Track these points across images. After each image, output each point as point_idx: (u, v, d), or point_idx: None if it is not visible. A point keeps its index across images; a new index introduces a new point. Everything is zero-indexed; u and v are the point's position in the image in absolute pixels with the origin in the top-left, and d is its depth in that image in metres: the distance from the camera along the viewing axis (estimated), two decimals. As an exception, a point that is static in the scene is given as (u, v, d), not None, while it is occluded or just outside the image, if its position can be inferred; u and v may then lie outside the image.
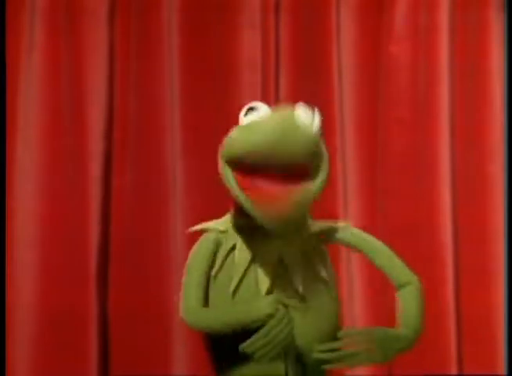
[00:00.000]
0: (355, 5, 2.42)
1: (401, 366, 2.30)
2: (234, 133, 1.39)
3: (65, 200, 2.36)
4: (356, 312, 2.35)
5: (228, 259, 1.43)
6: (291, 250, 1.41)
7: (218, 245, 1.46)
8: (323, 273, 1.43)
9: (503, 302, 2.32)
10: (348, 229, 1.48)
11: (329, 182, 2.33)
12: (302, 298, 1.40)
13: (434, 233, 2.37)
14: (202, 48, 2.40)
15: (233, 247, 1.44)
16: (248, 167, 1.35)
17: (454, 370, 2.34)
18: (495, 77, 2.41)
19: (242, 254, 1.42)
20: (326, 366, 1.38)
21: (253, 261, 1.41)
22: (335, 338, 1.41)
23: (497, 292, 2.35)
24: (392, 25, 2.42)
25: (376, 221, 2.37)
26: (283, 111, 1.36)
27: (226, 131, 2.47)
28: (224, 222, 1.47)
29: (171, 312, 2.23)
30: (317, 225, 1.47)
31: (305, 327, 1.40)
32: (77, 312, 2.33)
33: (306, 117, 1.38)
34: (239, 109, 2.37)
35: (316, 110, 1.41)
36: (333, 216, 2.34)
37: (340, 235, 1.48)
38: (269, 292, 1.39)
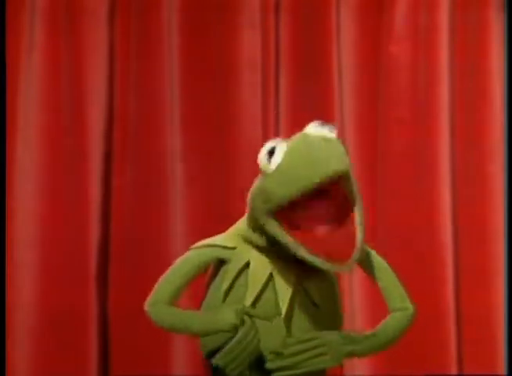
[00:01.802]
0: (355, 5, 2.42)
1: (401, 366, 2.30)
2: (267, 180, 1.34)
3: (65, 200, 2.36)
4: (356, 312, 2.35)
5: (241, 278, 1.40)
6: (306, 269, 1.38)
7: (212, 263, 1.43)
8: (315, 299, 1.41)
9: (503, 302, 2.32)
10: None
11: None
12: (320, 316, 1.40)
13: (434, 233, 2.37)
14: (202, 48, 2.40)
15: (246, 264, 1.40)
16: (288, 208, 1.32)
17: (454, 370, 2.34)
18: (495, 77, 2.41)
19: (258, 271, 1.39)
20: (277, 375, 1.37)
21: (271, 279, 1.39)
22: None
23: (497, 292, 2.35)
24: (392, 25, 2.42)
25: (376, 221, 2.37)
26: (305, 138, 1.35)
27: (226, 131, 2.48)
28: (229, 239, 1.43)
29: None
30: None
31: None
32: (77, 312, 2.33)
33: (326, 133, 1.38)
34: (239, 109, 2.39)
35: (329, 124, 1.41)
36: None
37: None
38: (289, 310, 1.38)
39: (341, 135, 2.39)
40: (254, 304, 1.38)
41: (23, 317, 2.32)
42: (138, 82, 2.40)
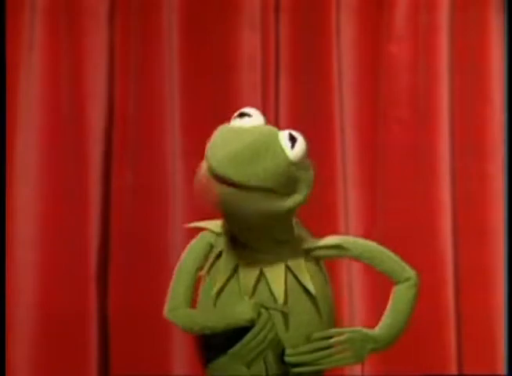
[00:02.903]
0: (355, 5, 2.42)
1: (401, 366, 2.30)
2: (215, 134, 1.41)
3: (65, 200, 2.36)
4: (356, 313, 2.35)
5: (217, 263, 1.42)
6: (273, 263, 1.39)
7: (211, 247, 1.45)
8: (311, 288, 1.40)
9: (503, 302, 2.32)
10: (342, 243, 1.45)
11: (330, 181, 2.35)
12: (283, 313, 1.39)
13: (434, 233, 2.37)
14: (202, 48, 2.40)
15: (220, 253, 1.42)
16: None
17: (454, 370, 2.34)
18: (495, 77, 2.41)
19: (226, 261, 1.41)
20: (297, 370, 1.38)
21: (236, 270, 1.40)
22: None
23: (497, 292, 2.35)
24: (392, 25, 2.42)
25: (376, 221, 2.37)
26: (262, 130, 1.38)
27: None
28: (219, 225, 1.46)
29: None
30: (310, 241, 1.44)
31: (285, 336, 1.39)
32: (77, 312, 2.33)
33: (285, 143, 1.36)
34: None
35: (300, 139, 1.37)
36: (333, 216, 2.35)
37: (335, 252, 1.45)
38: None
39: (341, 135, 2.40)
40: (219, 292, 1.39)
41: (23, 317, 2.32)
42: (138, 82, 2.40)
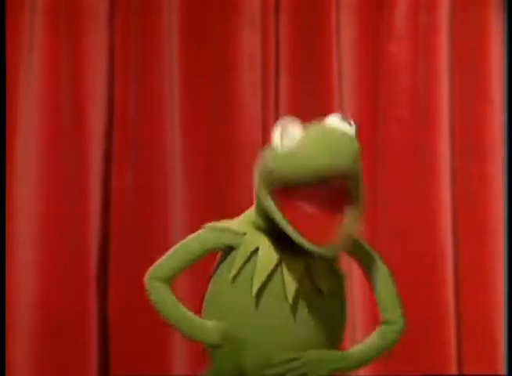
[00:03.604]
0: (355, 5, 2.42)
1: (401, 366, 2.30)
2: (277, 159, 1.33)
3: (65, 200, 2.36)
4: (356, 317, 2.35)
5: (249, 263, 1.39)
6: (316, 257, 1.37)
7: (219, 248, 1.43)
8: (343, 276, 1.42)
9: (503, 302, 2.32)
10: (361, 245, 1.45)
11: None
12: (326, 304, 1.40)
13: (434, 233, 2.37)
14: (202, 48, 2.40)
15: (255, 250, 1.39)
16: (289, 188, 1.32)
17: (454, 370, 2.34)
18: (495, 77, 2.41)
19: (266, 257, 1.38)
20: None
21: (279, 265, 1.38)
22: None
23: (497, 292, 2.35)
24: (392, 25, 2.42)
25: (376, 221, 2.37)
26: (324, 129, 1.35)
27: (226, 131, 2.48)
28: (241, 224, 1.42)
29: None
30: None
31: (325, 333, 1.40)
32: (77, 312, 2.33)
33: (345, 127, 1.38)
34: (240, 109, 2.39)
35: (351, 119, 1.40)
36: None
37: (354, 249, 1.44)
38: (296, 297, 1.37)
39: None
40: (260, 291, 1.37)
41: (24, 317, 2.32)
42: (138, 82, 2.40)
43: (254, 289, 1.37)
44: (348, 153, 1.30)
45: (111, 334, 2.35)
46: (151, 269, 1.45)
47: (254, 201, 1.41)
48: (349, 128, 1.38)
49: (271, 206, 1.33)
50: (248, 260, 1.39)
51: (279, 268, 1.38)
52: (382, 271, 1.45)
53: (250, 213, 1.43)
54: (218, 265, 1.43)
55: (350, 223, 1.33)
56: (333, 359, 1.40)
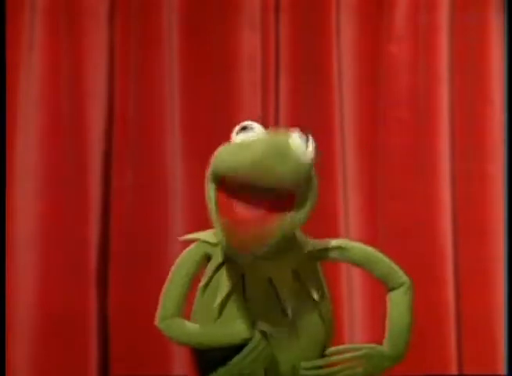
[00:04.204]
0: (355, 5, 2.42)
1: (401, 366, 2.29)
2: (222, 150, 1.36)
3: (65, 200, 2.36)
4: (356, 314, 2.35)
5: (218, 274, 1.40)
6: (281, 270, 1.38)
7: (205, 258, 1.43)
8: (314, 295, 1.40)
9: (503, 302, 2.32)
10: (343, 247, 1.44)
11: (330, 181, 2.35)
12: (291, 320, 1.39)
13: (434, 233, 2.37)
14: (202, 48, 2.40)
15: (223, 262, 1.40)
16: (233, 189, 1.31)
17: (454, 370, 2.34)
18: (495, 77, 2.41)
19: (230, 271, 1.39)
20: None
21: (241, 279, 1.38)
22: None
23: (497, 292, 2.35)
24: (392, 25, 2.42)
25: (376, 221, 2.37)
26: (277, 134, 1.34)
27: (226, 131, 2.48)
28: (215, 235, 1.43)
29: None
30: (310, 243, 1.43)
31: (291, 350, 1.39)
32: (77, 312, 2.33)
33: (300, 144, 1.33)
34: (240, 109, 2.39)
35: (311, 137, 1.36)
36: (333, 216, 2.35)
37: (335, 255, 1.44)
38: (257, 312, 1.37)
39: (341, 135, 2.39)
40: (223, 305, 1.38)
41: (23, 317, 2.32)
42: (138, 82, 2.40)
43: (216, 302, 1.38)
44: (283, 165, 1.27)
45: (111, 334, 2.35)
46: (157, 314, 1.47)
47: None
48: (303, 147, 1.33)
49: (210, 198, 1.33)
50: (216, 272, 1.40)
51: (241, 282, 1.38)
52: (370, 251, 1.45)
53: None
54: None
55: (283, 228, 1.30)
56: (390, 357, 1.44)
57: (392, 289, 1.45)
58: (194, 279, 1.44)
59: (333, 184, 2.36)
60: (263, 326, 1.38)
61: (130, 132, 2.39)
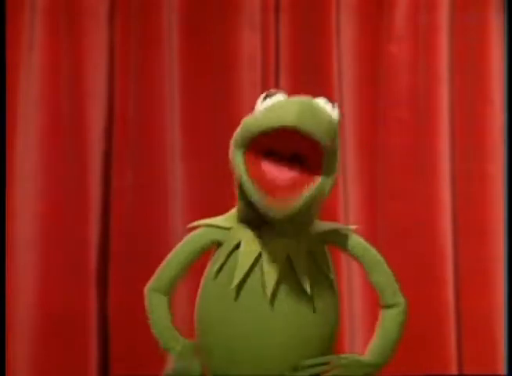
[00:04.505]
0: (355, 5, 2.42)
1: (401, 366, 2.29)
2: (253, 115, 1.36)
3: (65, 200, 2.36)
4: (356, 312, 2.35)
5: (231, 257, 1.39)
6: (299, 249, 1.37)
7: (210, 245, 1.43)
8: (330, 275, 1.40)
9: (503, 302, 2.32)
10: (352, 236, 1.44)
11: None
12: (309, 297, 1.38)
13: (434, 233, 2.37)
14: (202, 48, 2.40)
15: (238, 245, 1.38)
16: (261, 152, 1.32)
17: (454, 370, 2.34)
18: (495, 77, 2.41)
19: (247, 251, 1.37)
20: None
21: (259, 258, 1.37)
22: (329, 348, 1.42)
23: (497, 292, 2.35)
24: (392, 25, 2.42)
25: (376, 221, 2.37)
26: (303, 97, 1.36)
27: (226, 131, 2.48)
28: (228, 219, 1.42)
29: (170, 312, 2.23)
30: (323, 225, 1.43)
31: (309, 327, 1.38)
32: (77, 312, 2.33)
33: (326, 106, 1.37)
34: (240, 109, 2.39)
35: (336, 104, 1.40)
36: (333, 216, 2.34)
37: (343, 240, 1.44)
38: (275, 291, 1.36)
39: (341, 135, 2.39)
40: (240, 286, 1.37)
41: (23, 317, 2.32)
42: (138, 82, 2.40)
43: (234, 282, 1.36)
44: (320, 119, 1.29)
45: (111, 334, 2.35)
46: (150, 280, 1.47)
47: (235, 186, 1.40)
48: (330, 109, 1.37)
49: (238, 162, 1.33)
50: (230, 254, 1.39)
51: (260, 261, 1.37)
52: (375, 258, 1.44)
53: (235, 208, 1.43)
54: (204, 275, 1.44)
55: (314, 192, 1.32)
56: (367, 365, 1.40)
57: (386, 306, 1.44)
58: (190, 267, 1.44)
59: (333, 184, 2.35)
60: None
61: (130, 132, 2.39)
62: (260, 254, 1.37)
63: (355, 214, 2.38)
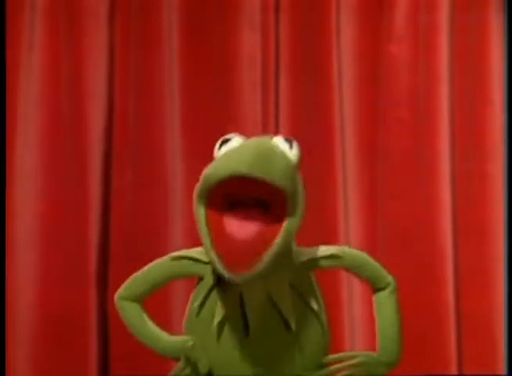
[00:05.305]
0: (355, 5, 2.42)
1: (401, 366, 2.29)
2: (210, 165, 1.30)
3: (65, 200, 2.36)
4: (356, 315, 2.35)
5: (213, 292, 1.36)
6: (279, 284, 1.34)
7: (192, 275, 1.40)
8: (314, 305, 1.38)
9: (503, 302, 2.32)
10: (334, 256, 1.41)
11: (329, 181, 2.35)
12: (294, 333, 1.36)
13: (434, 233, 2.37)
14: (202, 48, 2.40)
15: (218, 282, 1.35)
16: (224, 203, 1.27)
17: (454, 370, 2.34)
18: (495, 77, 2.41)
19: (227, 290, 1.34)
20: None
21: (239, 298, 1.34)
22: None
23: (497, 292, 2.35)
24: (392, 25, 2.42)
25: (376, 221, 2.37)
26: (259, 138, 1.33)
27: (226, 131, 2.48)
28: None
29: (170, 312, 2.23)
30: (302, 253, 1.39)
31: (296, 362, 1.38)
32: (77, 313, 2.33)
33: (284, 146, 1.32)
34: (240, 109, 2.39)
35: (295, 142, 1.34)
36: (333, 216, 2.35)
37: (325, 263, 1.41)
38: (259, 331, 1.35)
39: (341, 135, 2.39)
40: (222, 324, 1.36)
41: (23, 317, 2.32)
42: (138, 82, 2.40)
43: (215, 323, 1.35)
44: (275, 163, 1.25)
45: (111, 334, 2.35)
46: (120, 288, 1.46)
47: None
48: (287, 149, 1.32)
49: (199, 218, 1.28)
50: (211, 290, 1.36)
51: (239, 301, 1.35)
52: (359, 254, 1.44)
53: None
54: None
55: (281, 241, 1.26)
56: (385, 364, 1.42)
57: (378, 289, 1.44)
58: (157, 289, 1.43)
59: (333, 184, 2.36)
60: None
61: (130, 132, 2.39)
62: (240, 294, 1.34)
63: (355, 214, 2.38)
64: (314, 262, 1.40)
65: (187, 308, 1.42)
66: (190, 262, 1.40)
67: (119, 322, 2.35)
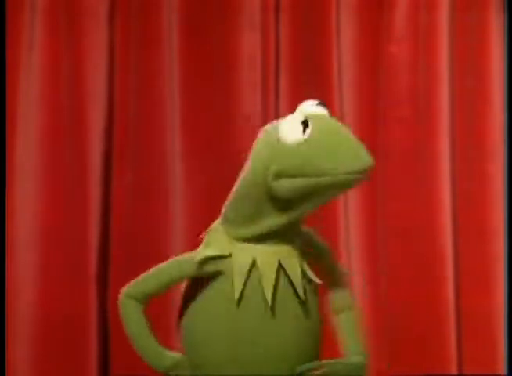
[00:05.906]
0: (355, 5, 2.42)
1: (401, 366, 2.30)
2: (305, 151, 1.36)
3: (65, 200, 2.36)
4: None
5: (250, 279, 1.39)
6: (289, 254, 1.40)
7: (207, 274, 1.42)
8: (317, 278, 1.42)
9: (503, 302, 2.33)
10: (311, 234, 1.48)
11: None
12: (301, 302, 1.39)
13: (434, 233, 2.37)
14: (202, 49, 2.40)
15: (251, 268, 1.39)
16: None
17: (454, 370, 2.34)
18: (495, 78, 2.41)
19: (241, 259, 1.39)
20: None
21: (253, 266, 1.38)
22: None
23: (497, 292, 2.35)
24: (392, 25, 2.42)
25: (376, 221, 2.37)
26: (344, 127, 1.40)
27: (226, 130, 2.48)
28: (221, 244, 1.42)
29: (170, 312, 2.23)
30: (302, 232, 1.46)
31: (300, 331, 1.40)
32: (77, 313, 2.33)
33: (325, 112, 1.44)
34: (240, 109, 2.38)
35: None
36: (333, 216, 2.35)
37: (309, 239, 1.47)
38: (273, 300, 1.37)
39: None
40: (240, 297, 1.38)
41: (24, 318, 2.32)
42: (138, 82, 2.40)
43: (236, 293, 1.37)
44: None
45: (111, 334, 2.35)
46: (128, 286, 1.49)
47: (230, 209, 1.44)
48: (326, 112, 1.41)
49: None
50: (248, 278, 1.39)
51: (254, 270, 1.39)
52: (340, 268, 1.50)
53: (217, 228, 1.45)
54: (191, 294, 1.44)
55: None
56: (356, 366, 1.43)
57: (338, 311, 1.47)
58: (170, 287, 1.45)
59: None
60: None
61: (130, 132, 2.39)
62: (254, 263, 1.38)
63: (355, 214, 2.38)
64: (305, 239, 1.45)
65: (195, 311, 1.43)
66: (210, 260, 1.41)
67: (119, 322, 2.36)
